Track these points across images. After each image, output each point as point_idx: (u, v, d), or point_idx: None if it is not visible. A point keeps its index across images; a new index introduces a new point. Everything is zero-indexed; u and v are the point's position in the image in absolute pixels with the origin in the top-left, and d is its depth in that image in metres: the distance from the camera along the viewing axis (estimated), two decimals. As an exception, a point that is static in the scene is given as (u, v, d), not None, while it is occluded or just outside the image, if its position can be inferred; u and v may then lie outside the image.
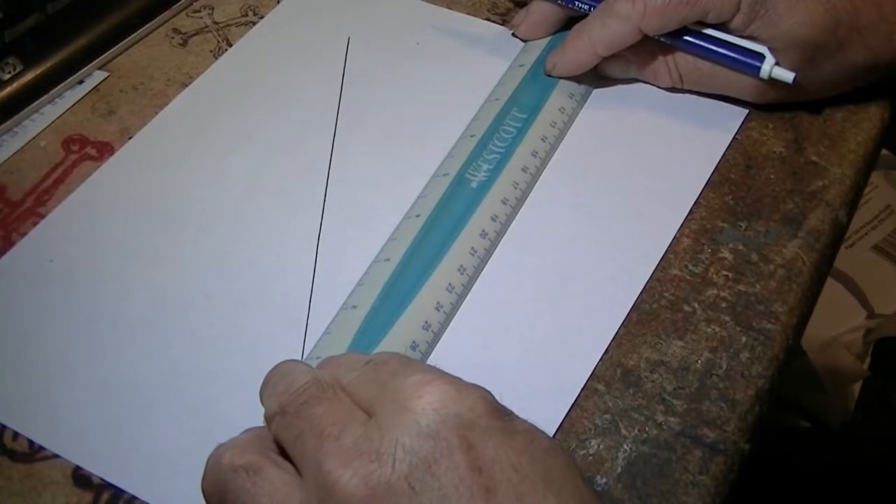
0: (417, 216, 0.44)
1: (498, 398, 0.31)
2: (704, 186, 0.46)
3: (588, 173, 0.47)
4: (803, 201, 0.45)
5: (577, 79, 0.49)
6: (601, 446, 0.37)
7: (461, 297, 0.42)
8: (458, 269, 0.42)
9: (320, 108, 0.50)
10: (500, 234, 0.44)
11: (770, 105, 0.49)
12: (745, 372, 0.39)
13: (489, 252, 0.43)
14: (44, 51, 0.50)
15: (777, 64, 0.46)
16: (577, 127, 0.49)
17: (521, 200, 0.45)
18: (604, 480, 0.36)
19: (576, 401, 0.39)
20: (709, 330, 0.41)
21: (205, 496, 0.32)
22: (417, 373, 0.30)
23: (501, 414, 0.30)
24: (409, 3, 0.56)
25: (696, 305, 0.42)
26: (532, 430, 0.30)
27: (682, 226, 0.44)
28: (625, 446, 0.37)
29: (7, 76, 0.49)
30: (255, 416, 0.38)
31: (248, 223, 0.45)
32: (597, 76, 0.50)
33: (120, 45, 0.53)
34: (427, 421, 0.28)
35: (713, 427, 0.38)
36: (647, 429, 0.38)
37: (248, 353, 0.40)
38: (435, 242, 0.42)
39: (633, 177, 0.47)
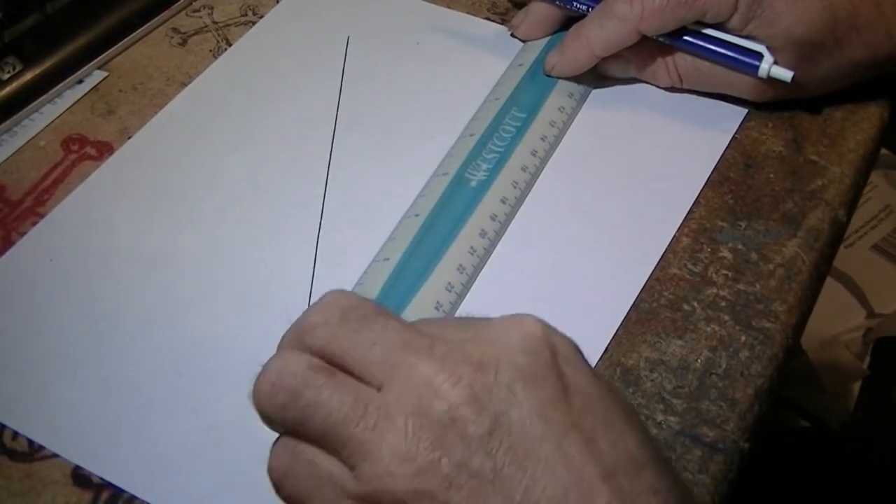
0: (417, 216, 0.44)
1: None
2: (704, 186, 0.46)
3: (588, 173, 0.47)
4: (803, 200, 0.45)
5: (577, 78, 0.49)
6: (601, 445, 0.37)
7: (460, 297, 0.42)
8: (458, 269, 0.42)
9: (320, 108, 0.50)
10: (499, 234, 0.44)
11: (770, 104, 0.49)
12: (745, 371, 0.39)
13: (488, 251, 0.43)
14: (43, 50, 0.51)
15: (775, 63, 0.46)
16: (576, 126, 0.49)
17: (520, 200, 0.45)
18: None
19: (575, 400, 0.39)
20: (708, 329, 0.41)
21: (269, 415, 0.31)
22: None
23: (584, 357, 0.31)
24: (408, 2, 0.56)
25: (695, 304, 0.42)
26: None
27: (681, 225, 0.44)
28: (624, 445, 0.37)
29: (6, 76, 0.49)
30: (255, 416, 0.38)
31: (248, 223, 0.45)
32: (596, 76, 0.50)
33: (119, 44, 0.53)
34: (527, 343, 0.30)
35: (712, 426, 0.38)
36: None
37: (248, 352, 0.40)
38: (434, 242, 0.42)
39: (633, 176, 0.46)
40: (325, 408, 0.30)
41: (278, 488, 0.31)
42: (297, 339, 0.32)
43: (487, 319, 0.31)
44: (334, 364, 0.31)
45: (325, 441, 0.30)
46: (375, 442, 0.29)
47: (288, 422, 0.31)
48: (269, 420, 0.31)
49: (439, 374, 0.29)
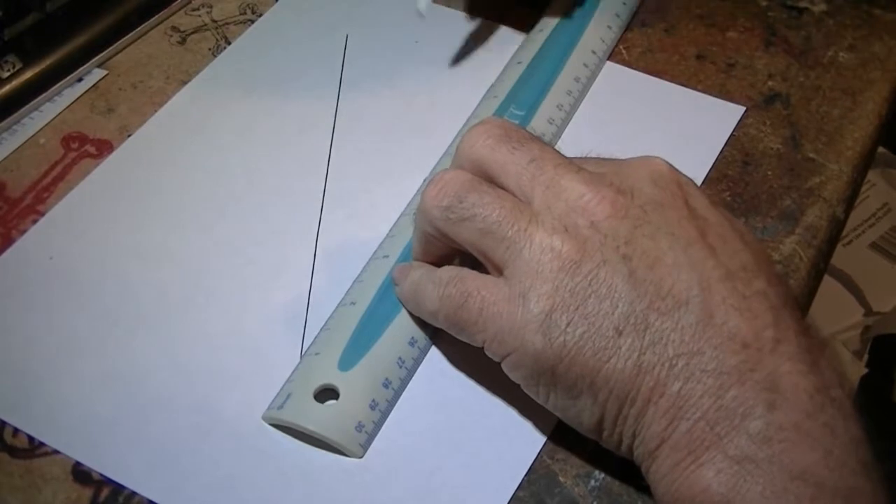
0: (415, 213, 0.44)
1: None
2: (702, 183, 0.46)
3: (586, 170, 0.47)
4: (801, 198, 0.46)
5: (576, 76, 0.50)
6: (599, 441, 0.37)
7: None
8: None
9: (319, 106, 0.50)
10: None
11: (766, 101, 0.49)
12: (743, 367, 0.40)
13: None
14: (43, 49, 0.51)
15: None
16: (575, 124, 0.49)
17: (519, 197, 0.45)
18: (602, 476, 0.36)
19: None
20: (706, 326, 0.41)
21: (433, 218, 0.36)
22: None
23: (703, 192, 0.36)
24: (407, 1, 0.56)
25: (693, 301, 0.42)
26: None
27: (679, 222, 0.44)
28: (623, 441, 0.37)
29: (6, 74, 0.49)
30: (254, 412, 0.38)
31: (247, 220, 0.45)
32: (594, 71, 0.50)
33: (119, 43, 0.53)
34: (656, 176, 0.35)
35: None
36: (645, 424, 0.38)
37: (247, 349, 0.40)
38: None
39: (631, 174, 0.47)
40: (487, 209, 0.34)
41: (434, 313, 0.37)
42: (460, 153, 0.37)
43: (620, 160, 0.36)
44: (490, 180, 0.36)
45: (481, 244, 0.35)
46: (526, 241, 0.33)
47: (450, 222, 0.35)
48: (431, 223, 0.36)
49: (586, 193, 0.34)
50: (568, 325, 0.32)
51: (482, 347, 0.35)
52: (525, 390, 0.35)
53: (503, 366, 0.35)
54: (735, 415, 0.30)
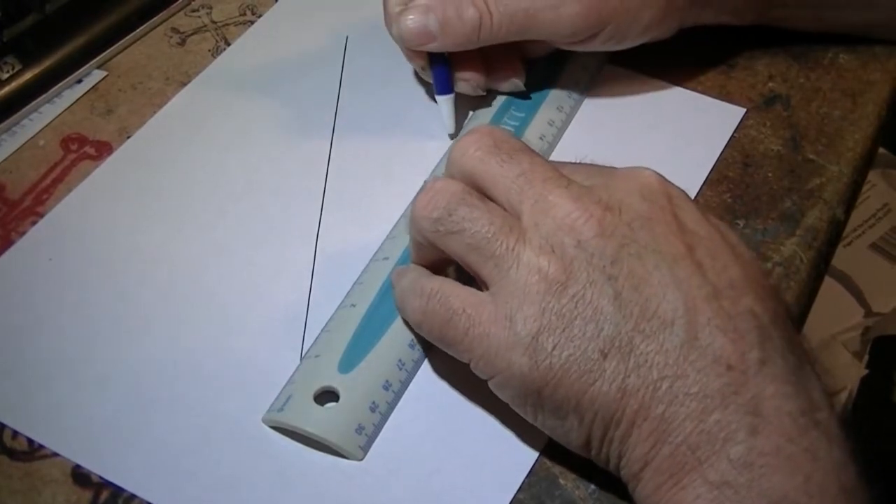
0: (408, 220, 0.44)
1: None
2: (703, 185, 0.46)
3: (586, 172, 0.47)
4: (801, 199, 0.46)
5: (575, 78, 0.50)
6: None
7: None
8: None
9: (319, 107, 0.50)
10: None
11: (766, 102, 0.49)
12: (744, 369, 0.39)
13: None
14: (42, 50, 0.51)
15: None
16: (575, 125, 0.49)
17: (519, 199, 0.45)
18: (602, 478, 0.36)
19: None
20: (707, 327, 0.41)
21: (423, 228, 0.35)
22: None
23: (695, 204, 0.35)
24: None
25: (694, 303, 0.42)
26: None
27: (680, 224, 0.44)
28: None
29: (6, 75, 0.49)
30: (254, 414, 0.38)
31: (247, 222, 0.45)
32: (594, 74, 0.50)
33: (118, 44, 0.53)
34: (645, 190, 0.34)
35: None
36: (645, 426, 0.38)
37: (247, 350, 0.40)
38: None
39: (632, 175, 0.46)
40: (477, 223, 0.34)
41: (418, 324, 0.37)
42: (451, 163, 0.37)
43: (612, 169, 0.36)
44: (480, 191, 0.35)
45: (468, 258, 0.34)
46: (514, 261, 0.33)
47: (439, 234, 0.35)
48: (421, 232, 0.36)
49: (574, 211, 0.33)
50: (554, 347, 0.32)
51: (468, 364, 0.35)
52: (513, 409, 0.35)
53: (490, 385, 0.35)
54: (717, 439, 0.30)
